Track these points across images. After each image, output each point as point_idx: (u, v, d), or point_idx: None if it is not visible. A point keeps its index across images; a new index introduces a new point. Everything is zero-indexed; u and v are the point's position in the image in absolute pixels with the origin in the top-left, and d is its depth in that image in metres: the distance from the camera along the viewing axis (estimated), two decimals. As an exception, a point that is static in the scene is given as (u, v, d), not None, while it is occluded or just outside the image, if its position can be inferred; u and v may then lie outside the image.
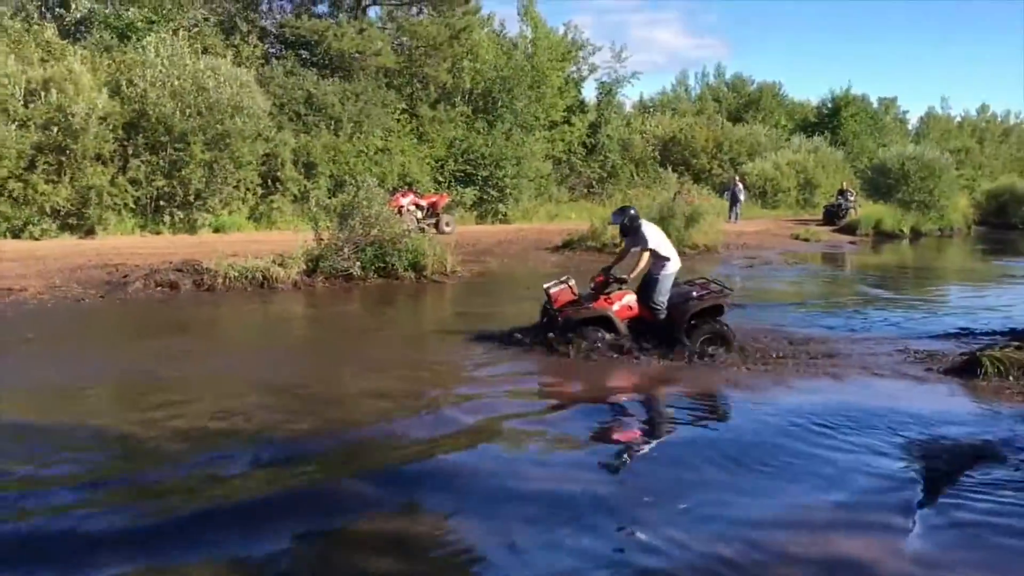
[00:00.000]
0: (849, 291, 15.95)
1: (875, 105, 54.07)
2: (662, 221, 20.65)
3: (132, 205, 20.26)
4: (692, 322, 8.87)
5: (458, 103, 30.40)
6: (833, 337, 10.34)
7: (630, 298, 8.97)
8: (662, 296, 8.83)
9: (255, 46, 26.47)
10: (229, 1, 27.57)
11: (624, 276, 8.90)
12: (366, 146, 25.56)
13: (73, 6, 23.36)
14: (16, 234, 18.29)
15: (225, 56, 23.34)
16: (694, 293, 8.99)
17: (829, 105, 50.83)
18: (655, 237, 8.94)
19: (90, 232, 19.20)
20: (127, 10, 23.42)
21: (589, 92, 38.37)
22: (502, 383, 7.97)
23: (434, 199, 23.67)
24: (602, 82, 37.51)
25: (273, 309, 12.25)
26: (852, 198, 32.74)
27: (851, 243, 27.27)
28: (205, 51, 23.31)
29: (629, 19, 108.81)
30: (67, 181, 19.05)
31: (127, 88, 20.45)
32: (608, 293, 8.92)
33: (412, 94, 29.67)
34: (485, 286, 15.20)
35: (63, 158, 19.01)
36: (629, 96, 65.27)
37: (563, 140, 34.64)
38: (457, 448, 6.09)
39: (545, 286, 9.03)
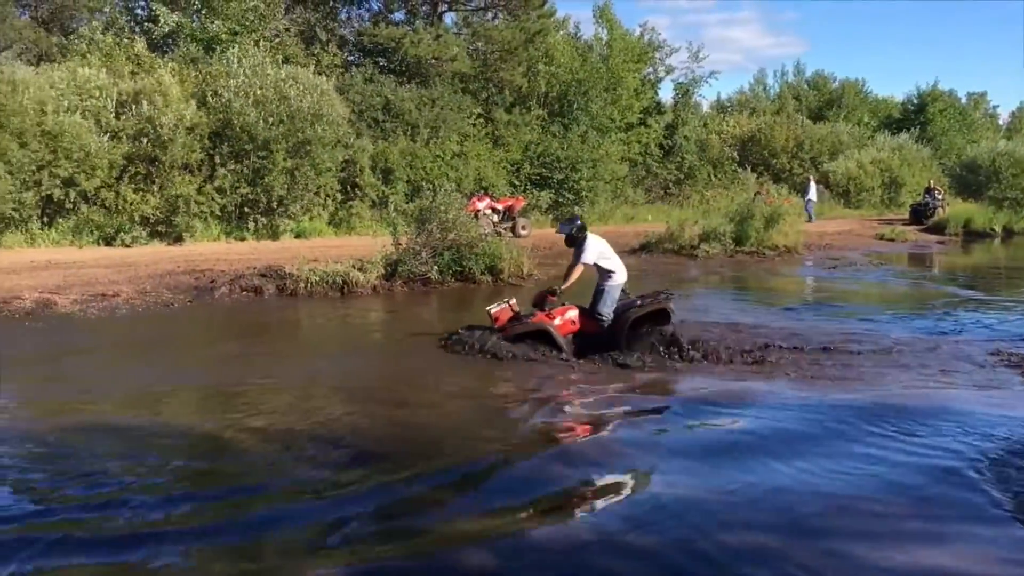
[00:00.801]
0: (938, 292, 15.45)
1: (963, 101, 52.40)
2: (741, 222, 20.43)
3: (218, 212, 20.87)
4: (635, 330, 8.83)
5: (533, 107, 30.46)
6: (923, 339, 10.04)
7: (572, 313, 8.95)
8: (607, 307, 8.91)
9: (334, 55, 27.01)
10: (309, 11, 28.18)
11: (555, 287, 8.86)
12: (442, 151, 25.80)
13: (161, 20, 24.13)
14: (108, 241, 18.99)
15: (306, 65, 23.88)
16: (637, 302, 9.00)
17: (915, 101, 49.45)
18: (594, 252, 8.90)
19: (178, 239, 19.82)
20: (212, 23, 24.09)
21: (665, 93, 38.20)
22: (576, 384, 7.96)
23: (510, 203, 23.74)
24: (679, 83, 37.21)
25: (353, 313, 12.43)
26: (940, 196, 31.70)
27: (939, 243, 26.40)
28: (287, 61, 23.88)
29: (705, 19, 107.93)
30: (156, 190, 19.75)
31: (212, 99, 21.07)
32: (549, 308, 8.88)
33: (487, 99, 29.86)
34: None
35: (152, 168, 19.73)
36: (706, 96, 64.53)
37: (639, 142, 34.41)
38: (536, 449, 6.11)
39: (487, 308, 9.05)
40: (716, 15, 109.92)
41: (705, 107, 43.95)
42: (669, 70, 37.09)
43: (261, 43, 23.88)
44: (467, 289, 14.38)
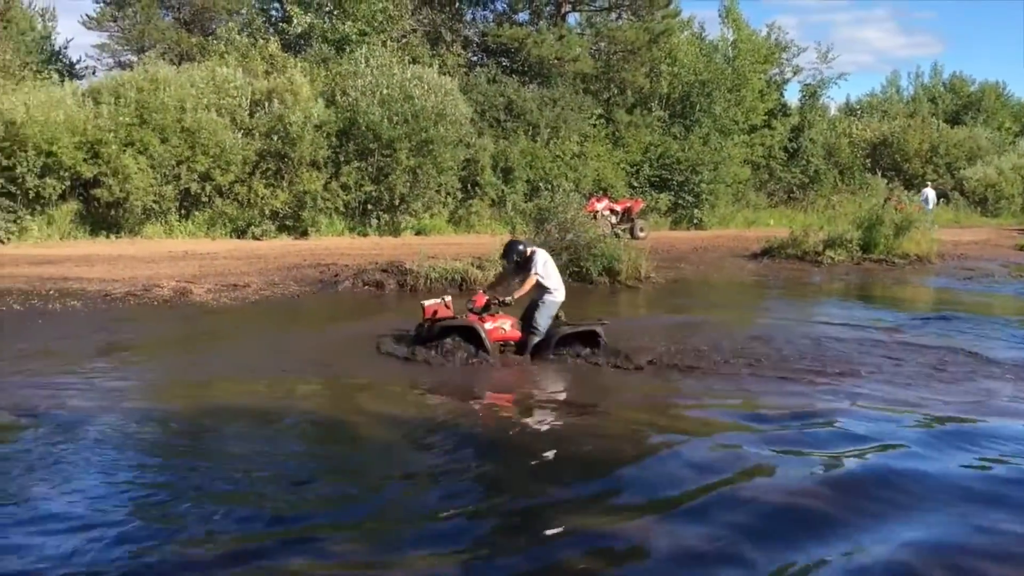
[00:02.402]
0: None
1: (1114, 104, 49.09)
2: (869, 229, 19.69)
3: (342, 209, 21.50)
4: (561, 347, 8.76)
5: (655, 107, 30.13)
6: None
7: (505, 322, 8.89)
8: (543, 320, 8.82)
9: (459, 55, 27.41)
10: (435, 12, 28.65)
11: (508, 298, 8.76)
12: (562, 151, 25.83)
13: (295, 21, 24.97)
14: (240, 234, 19.82)
15: (431, 65, 24.31)
16: (568, 326, 8.96)
17: (1061, 105, 46.67)
18: (543, 267, 8.86)
19: (304, 233, 20.50)
20: (343, 24, 24.78)
21: (792, 95, 37.08)
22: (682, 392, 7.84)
23: (628, 204, 23.58)
24: (806, 84, 36.11)
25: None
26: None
27: (1086, 255, 24.81)
28: (413, 61, 24.37)
29: (835, 19, 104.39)
30: (285, 186, 20.47)
31: (340, 97, 21.71)
32: (484, 314, 8.79)
33: (609, 99, 29.73)
34: (679, 293, 14.98)
35: (282, 164, 20.46)
36: (834, 98, 62.51)
37: (763, 144, 33.56)
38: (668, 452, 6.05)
39: (422, 301, 9.05)
40: (847, 14, 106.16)
41: (833, 110, 42.48)
42: (796, 71, 36.02)
43: (388, 43, 24.44)
44: (584, 290, 14.34)
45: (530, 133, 25.65)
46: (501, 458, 5.93)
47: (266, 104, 20.77)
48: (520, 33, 28.44)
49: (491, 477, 5.51)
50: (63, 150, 17.37)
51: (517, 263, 8.93)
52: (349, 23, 24.85)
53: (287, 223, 20.55)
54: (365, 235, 21.43)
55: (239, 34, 24.31)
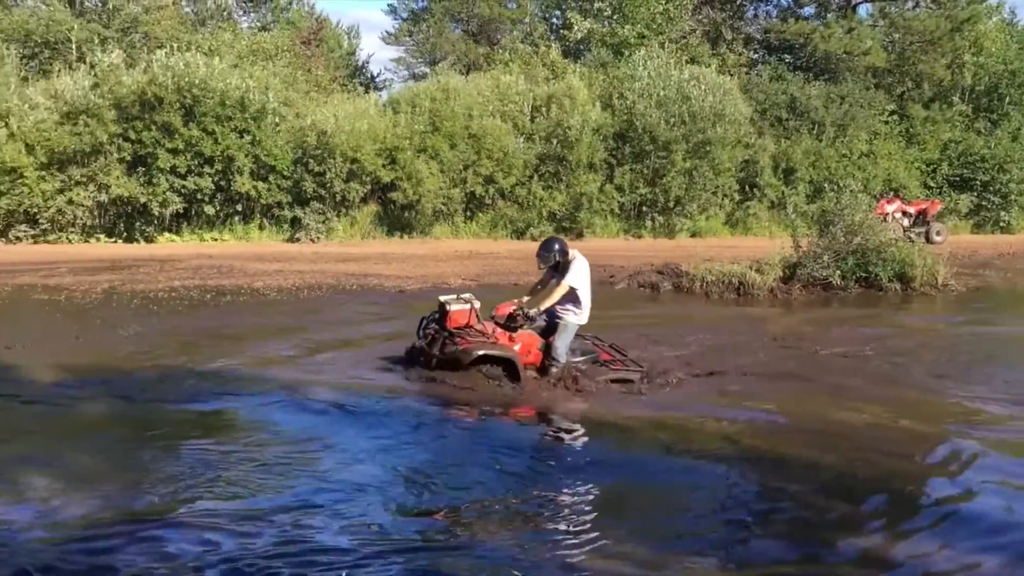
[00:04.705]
0: None
1: None
2: None
3: (617, 210, 21.77)
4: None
5: (956, 101, 27.73)
6: None
7: (533, 341, 7.28)
8: (562, 347, 7.18)
9: (740, 53, 26.78)
10: (716, 11, 28.18)
11: (533, 312, 7.14)
12: (849, 150, 24.51)
13: (575, 27, 25.56)
14: (519, 235, 20.60)
15: (710, 65, 23.97)
16: (595, 355, 7.44)
17: None
18: (580, 275, 7.26)
19: (580, 235, 20.93)
20: (622, 28, 25.01)
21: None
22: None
23: (923, 206, 21.90)
24: None
25: (752, 314, 12.12)
26: None
27: None
28: (692, 61, 24.13)
29: None
30: (563, 188, 21.04)
31: (617, 101, 21.95)
32: (513, 328, 7.18)
33: (902, 94, 27.75)
34: (982, 302, 13.61)
35: (560, 167, 21.03)
36: None
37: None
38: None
39: (442, 299, 7.31)
40: None
41: None
42: None
43: (666, 45, 24.34)
44: (871, 296, 13.43)
45: (814, 132, 24.53)
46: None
47: (545, 109, 21.44)
48: (806, 28, 27.28)
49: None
50: (366, 157, 18.94)
51: (556, 264, 7.29)
52: (628, 27, 25.04)
53: (564, 224, 21.08)
54: (640, 236, 21.54)
55: (522, 43, 25.28)
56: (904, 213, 21.09)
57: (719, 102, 21.96)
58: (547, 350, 7.18)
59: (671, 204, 21.83)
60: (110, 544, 3.94)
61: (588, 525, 4.49)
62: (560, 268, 7.25)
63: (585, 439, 6.25)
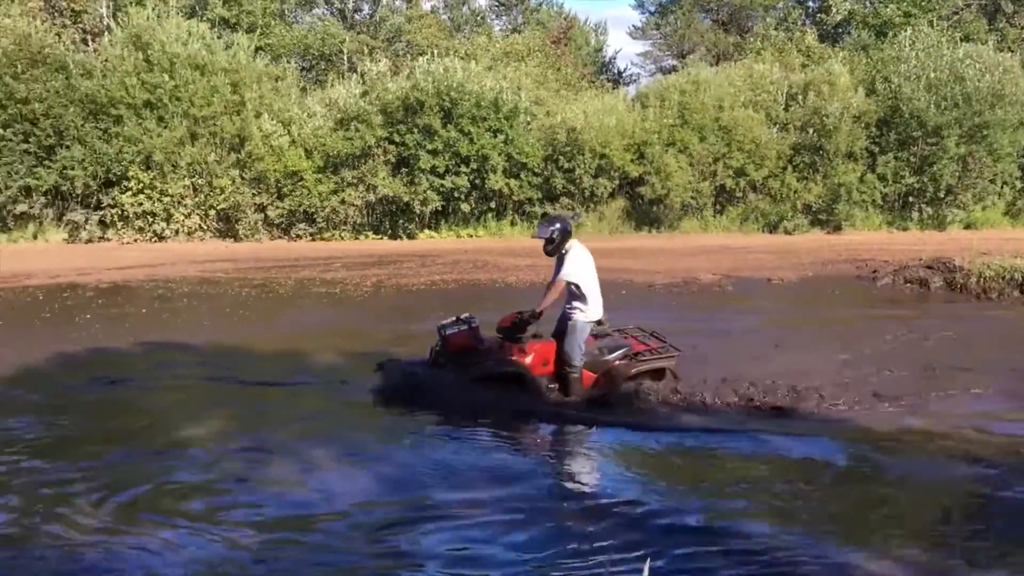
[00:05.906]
0: None
1: None
2: None
3: (879, 201, 20.52)
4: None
5: None
6: None
7: (548, 348, 6.37)
8: (575, 351, 6.27)
9: (1022, 27, 24.34)
10: (994, -18, 25.82)
11: (532, 311, 6.19)
12: None
13: (833, 9, 24.34)
14: (772, 229, 19.95)
15: (986, 41, 22.01)
16: (627, 348, 6.55)
17: None
18: (577, 267, 6.29)
19: (837, 228, 19.95)
20: (886, 7, 23.52)
21: None
22: None
23: None
24: None
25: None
26: None
27: None
28: (966, 39, 22.26)
29: None
30: (819, 179, 20.13)
31: (881, 85, 20.66)
32: (520, 339, 6.30)
33: None
34: None
35: (816, 157, 20.14)
36: None
37: None
38: None
39: (439, 325, 6.53)
40: None
41: None
42: None
43: (936, 22, 22.60)
44: None
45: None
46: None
47: (801, 97, 20.58)
48: (1103, -7, 24.38)
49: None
50: (614, 152, 19.11)
51: (546, 243, 6.39)
52: (892, 6, 23.52)
53: (820, 217, 20.19)
54: (905, 229, 20.23)
55: (775, 29, 24.40)
56: None
57: (998, 82, 20.12)
58: (558, 355, 6.43)
59: (941, 194, 20.26)
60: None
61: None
62: (558, 260, 6.48)
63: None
